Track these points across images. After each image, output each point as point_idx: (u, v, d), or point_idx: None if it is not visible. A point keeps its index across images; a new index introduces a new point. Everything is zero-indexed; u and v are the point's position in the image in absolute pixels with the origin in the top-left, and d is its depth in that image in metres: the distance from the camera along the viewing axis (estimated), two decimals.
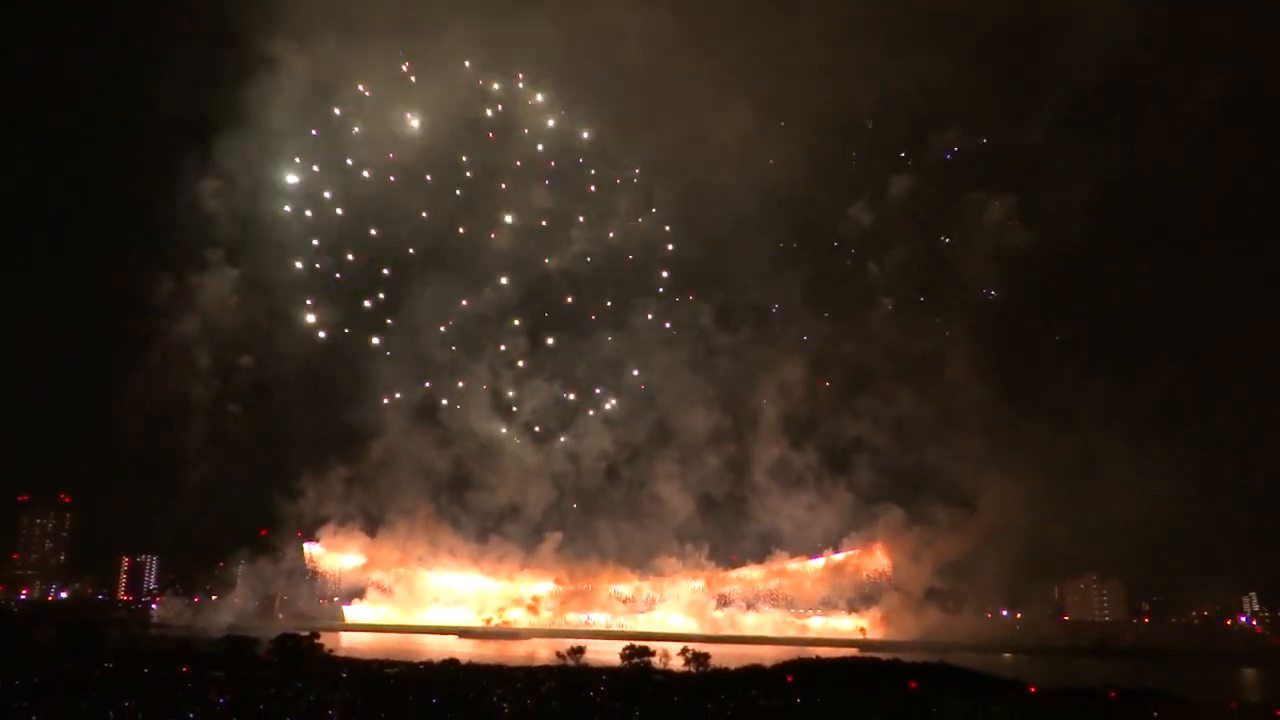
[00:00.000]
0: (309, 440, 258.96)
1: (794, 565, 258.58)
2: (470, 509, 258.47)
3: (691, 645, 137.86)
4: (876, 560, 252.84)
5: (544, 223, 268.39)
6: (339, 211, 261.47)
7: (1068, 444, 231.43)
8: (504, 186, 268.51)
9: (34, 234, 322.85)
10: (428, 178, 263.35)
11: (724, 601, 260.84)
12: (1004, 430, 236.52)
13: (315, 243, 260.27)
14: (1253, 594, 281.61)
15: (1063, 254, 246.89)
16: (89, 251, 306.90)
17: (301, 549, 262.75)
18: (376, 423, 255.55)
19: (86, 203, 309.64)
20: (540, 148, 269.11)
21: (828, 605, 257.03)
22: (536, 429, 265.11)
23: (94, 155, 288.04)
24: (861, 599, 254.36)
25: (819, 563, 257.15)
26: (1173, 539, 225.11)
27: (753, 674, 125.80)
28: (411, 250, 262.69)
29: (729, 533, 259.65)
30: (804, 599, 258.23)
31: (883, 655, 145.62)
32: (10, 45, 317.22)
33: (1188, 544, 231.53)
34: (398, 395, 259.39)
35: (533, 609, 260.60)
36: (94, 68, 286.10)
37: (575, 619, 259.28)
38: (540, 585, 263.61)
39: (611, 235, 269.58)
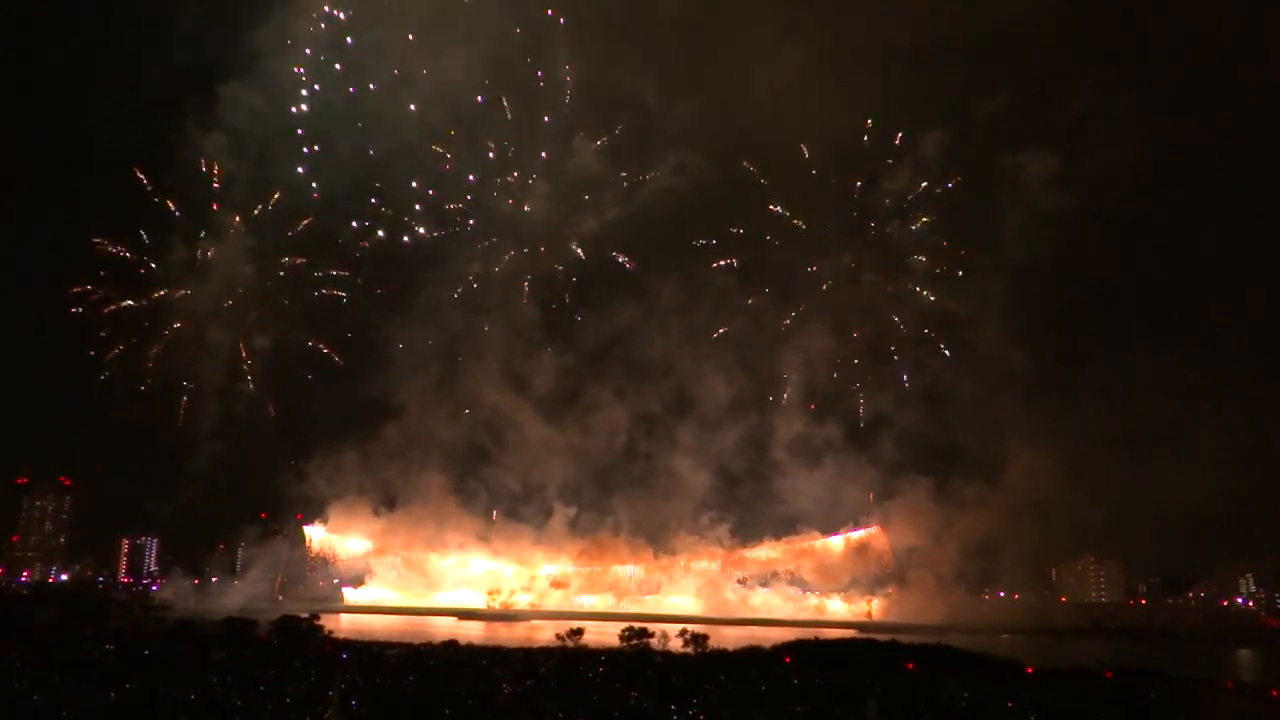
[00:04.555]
0: (317, 419, 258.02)
1: (809, 544, 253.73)
2: (480, 488, 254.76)
3: (691, 627, 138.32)
4: (885, 539, 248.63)
5: (573, 183, 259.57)
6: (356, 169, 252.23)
7: (1103, 419, 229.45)
8: (532, 145, 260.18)
9: (30, 202, 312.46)
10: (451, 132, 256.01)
11: (741, 582, 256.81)
12: (1036, 402, 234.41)
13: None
14: (1249, 575, 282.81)
15: (1110, 218, 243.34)
16: (89, 218, 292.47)
17: (301, 531, 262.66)
18: (386, 399, 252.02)
19: (85, 163, 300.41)
20: (574, 102, 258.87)
21: (853, 584, 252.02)
22: (550, 402, 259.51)
23: (92, 109, 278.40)
24: (877, 579, 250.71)
25: (837, 541, 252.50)
26: (1174, 520, 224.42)
27: (751, 655, 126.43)
28: (433, 212, 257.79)
29: (747, 509, 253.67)
30: (821, 579, 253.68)
31: (881, 636, 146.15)
32: None
33: (1187, 525, 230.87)
34: (409, 369, 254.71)
35: (561, 585, 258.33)
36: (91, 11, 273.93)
37: (588, 600, 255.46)
38: (551, 566, 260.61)
39: (641, 194, 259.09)
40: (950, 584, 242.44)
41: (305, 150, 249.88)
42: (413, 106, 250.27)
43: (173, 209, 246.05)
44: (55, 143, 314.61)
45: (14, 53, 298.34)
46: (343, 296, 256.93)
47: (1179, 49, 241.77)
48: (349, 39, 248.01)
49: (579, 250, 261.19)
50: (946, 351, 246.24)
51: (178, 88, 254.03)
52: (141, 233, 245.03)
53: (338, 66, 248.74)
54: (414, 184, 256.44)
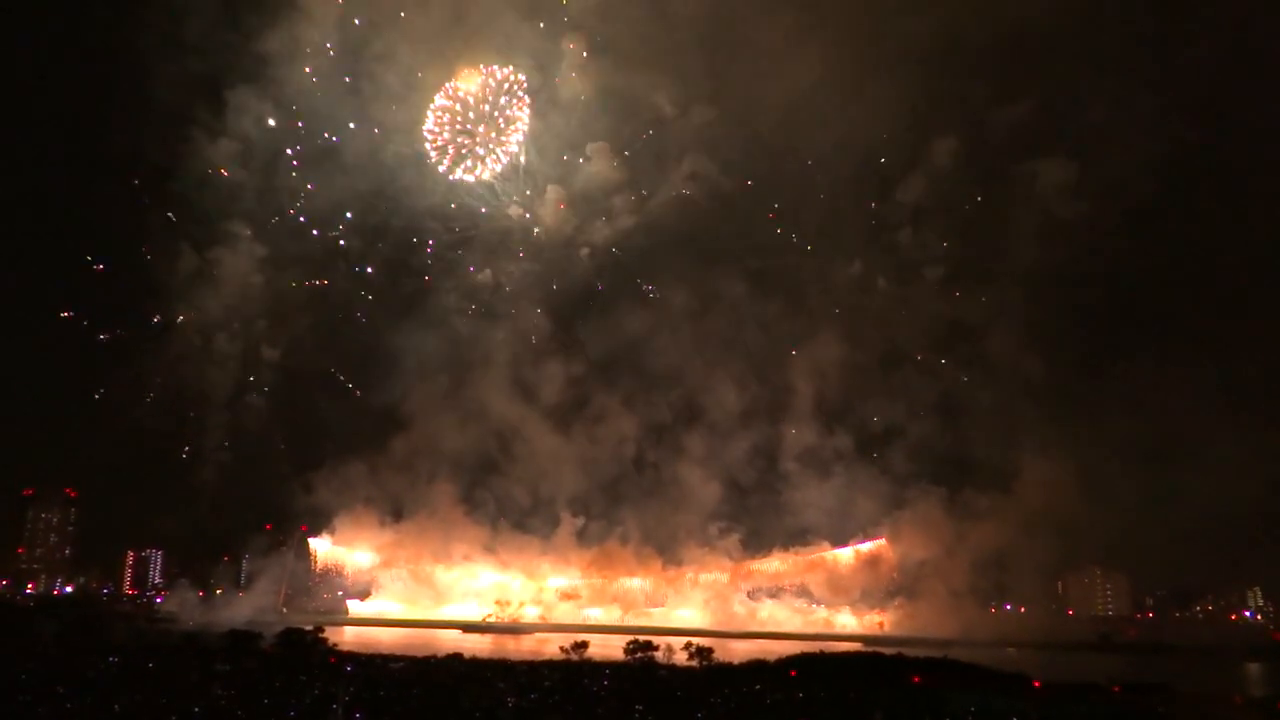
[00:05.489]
0: (325, 431, 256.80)
1: (819, 555, 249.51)
2: (487, 497, 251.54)
3: (695, 640, 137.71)
4: (896, 551, 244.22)
5: (586, 192, 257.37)
6: (366, 179, 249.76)
7: (1119, 429, 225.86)
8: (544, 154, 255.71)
9: (36, 212, 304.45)
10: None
11: (750, 595, 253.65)
12: (1051, 412, 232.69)
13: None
14: (1257, 588, 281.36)
15: (1127, 225, 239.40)
16: (97, 228, 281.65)
17: (306, 543, 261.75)
18: (395, 410, 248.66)
19: (92, 173, 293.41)
20: (589, 111, 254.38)
21: (863, 597, 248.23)
22: (560, 412, 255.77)
23: (98, 117, 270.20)
24: (887, 592, 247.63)
25: (846, 553, 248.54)
26: (1186, 532, 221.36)
27: (756, 669, 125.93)
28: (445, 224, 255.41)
29: (757, 519, 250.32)
30: (830, 592, 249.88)
31: (887, 650, 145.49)
32: None
33: (1199, 537, 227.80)
34: (418, 379, 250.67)
35: (572, 597, 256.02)
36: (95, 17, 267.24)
37: (594, 613, 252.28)
38: (559, 578, 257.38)
39: (654, 203, 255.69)
40: (961, 597, 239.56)
41: (314, 160, 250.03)
42: (424, 118, 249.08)
43: (182, 219, 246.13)
44: (61, 153, 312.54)
45: (21, 63, 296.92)
46: (360, 314, 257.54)
47: (1199, 52, 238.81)
48: (360, 47, 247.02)
49: (589, 260, 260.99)
50: (960, 361, 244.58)
51: (186, 96, 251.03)
52: (149, 242, 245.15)
53: (348, 78, 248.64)
54: (425, 193, 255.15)
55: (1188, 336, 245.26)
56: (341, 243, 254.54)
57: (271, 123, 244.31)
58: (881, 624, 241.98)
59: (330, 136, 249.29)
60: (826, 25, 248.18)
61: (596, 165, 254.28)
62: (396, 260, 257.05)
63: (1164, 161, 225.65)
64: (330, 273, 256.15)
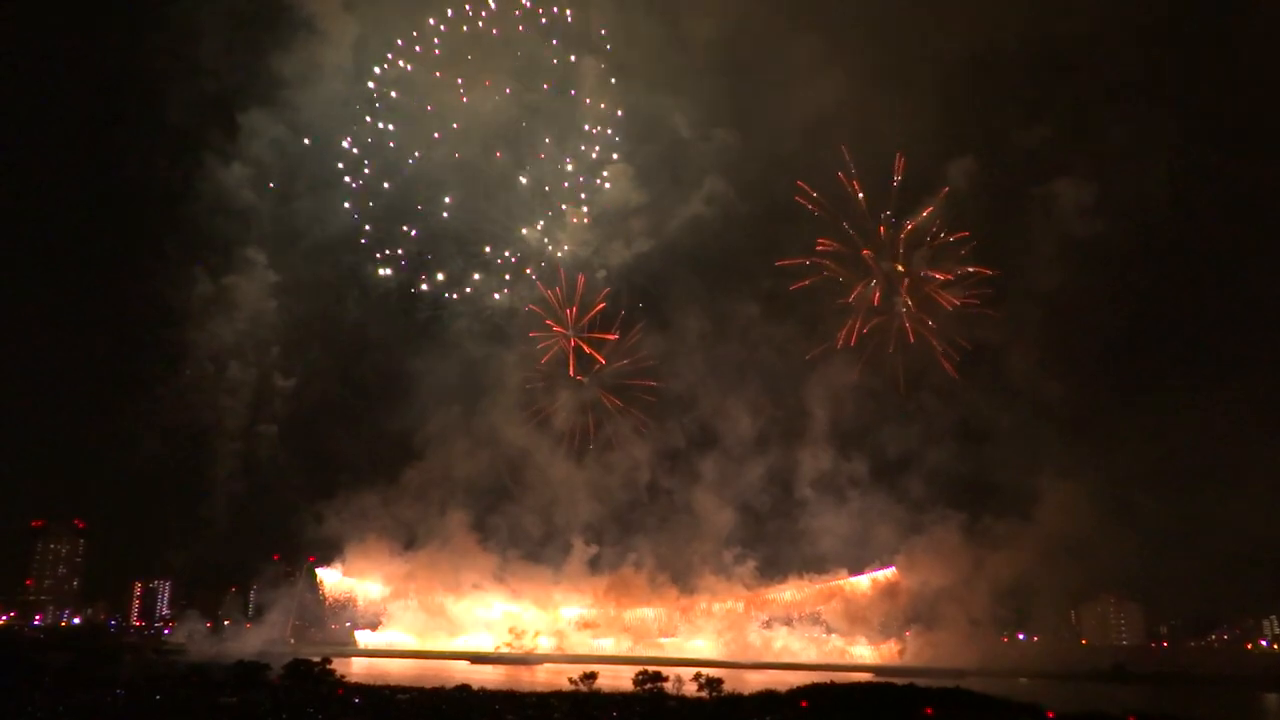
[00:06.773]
0: (336, 459, 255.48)
1: (835, 583, 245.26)
2: (500, 527, 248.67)
3: (705, 670, 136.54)
4: (913, 579, 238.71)
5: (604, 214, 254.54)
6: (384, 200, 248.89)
7: (1142, 455, 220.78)
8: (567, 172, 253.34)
9: (43, 235, 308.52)
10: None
11: (765, 625, 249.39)
12: (1073, 437, 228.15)
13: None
14: (1274, 617, 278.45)
15: (1153, 246, 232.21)
16: (105, 254, 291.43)
17: (313, 574, 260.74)
18: (408, 438, 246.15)
19: (100, 197, 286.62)
20: (607, 132, 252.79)
21: (882, 627, 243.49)
22: (571, 439, 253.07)
23: (107, 140, 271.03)
24: (905, 620, 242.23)
25: (862, 580, 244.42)
26: (1209, 561, 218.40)
27: (766, 699, 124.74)
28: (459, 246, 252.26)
29: (773, 547, 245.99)
30: (845, 621, 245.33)
31: (899, 680, 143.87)
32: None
33: (1221, 566, 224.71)
34: (431, 405, 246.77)
35: (591, 625, 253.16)
36: (103, 37, 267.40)
37: (604, 644, 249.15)
38: (572, 609, 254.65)
39: (672, 225, 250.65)
40: (979, 626, 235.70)
41: (328, 183, 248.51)
42: (438, 136, 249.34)
43: (193, 244, 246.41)
44: (72, 176, 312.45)
45: (34, 84, 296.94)
46: (373, 340, 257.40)
47: (1228, 72, 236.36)
48: (377, 70, 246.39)
49: (606, 282, 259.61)
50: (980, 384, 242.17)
51: (201, 119, 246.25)
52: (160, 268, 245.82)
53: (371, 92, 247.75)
54: (440, 219, 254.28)
55: (1211, 360, 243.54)
56: (354, 268, 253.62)
57: (285, 146, 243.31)
58: (901, 650, 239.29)
59: (342, 160, 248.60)
60: (845, 47, 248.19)
61: (615, 187, 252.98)
62: (410, 286, 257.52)
63: (1190, 182, 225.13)
64: (343, 298, 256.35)
